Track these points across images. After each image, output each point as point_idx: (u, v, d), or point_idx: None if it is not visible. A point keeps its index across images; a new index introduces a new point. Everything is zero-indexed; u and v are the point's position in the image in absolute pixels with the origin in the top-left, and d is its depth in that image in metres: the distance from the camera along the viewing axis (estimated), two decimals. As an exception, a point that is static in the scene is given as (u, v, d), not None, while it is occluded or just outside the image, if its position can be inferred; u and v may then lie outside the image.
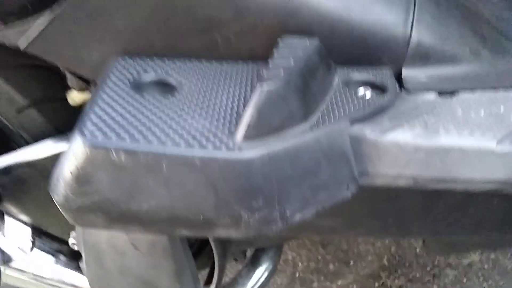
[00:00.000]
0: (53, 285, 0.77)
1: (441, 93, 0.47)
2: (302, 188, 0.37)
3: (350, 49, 0.47)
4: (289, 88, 0.38)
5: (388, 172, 0.42)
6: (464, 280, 0.95)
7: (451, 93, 0.47)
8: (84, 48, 0.45)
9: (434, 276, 0.96)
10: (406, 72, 0.47)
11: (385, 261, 1.00)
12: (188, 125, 0.37)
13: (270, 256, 0.86)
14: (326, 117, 0.40)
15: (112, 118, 0.37)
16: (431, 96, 0.47)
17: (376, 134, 0.40)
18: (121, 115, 0.38)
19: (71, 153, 0.36)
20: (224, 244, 0.65)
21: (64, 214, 0.39)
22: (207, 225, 0.37)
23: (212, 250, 0.66)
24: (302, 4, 0.43)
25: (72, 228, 0.70)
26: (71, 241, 0.71)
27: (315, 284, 0.98)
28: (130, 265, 0.63)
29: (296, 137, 0.37)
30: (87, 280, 0.75)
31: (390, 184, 0.42)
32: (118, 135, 0.36)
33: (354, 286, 0.96)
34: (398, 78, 0.47)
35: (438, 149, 0.41)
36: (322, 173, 0.38)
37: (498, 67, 0.51)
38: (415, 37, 0.47)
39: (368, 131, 0.40)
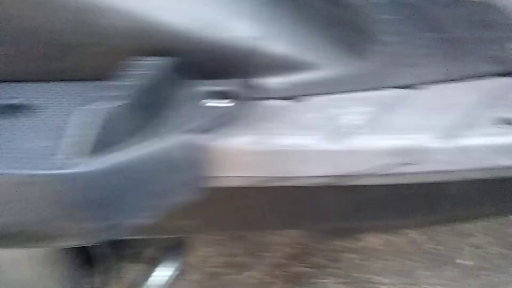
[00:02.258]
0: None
1: (294, 98, 0.52)
2: (139, 196, 0.41)
3: (206, 64, 0.50)
4: (128, 106, 0.41)
5: (231, 174, 0.46)
6: (361, 261, 1.03)
7: (300, 98, 0.53)
8: None
9: (333, 260, 1.04)
10: (259, 81, 0.52)
11: (290, 250, 1.06)
12: (29, 146, 0.40)
13: (173, 254, 0.89)
14: (169, 128, 0.44)
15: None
16: (278, 102, 0.51)
17: (218, 141, 0.45)
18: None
19: None
20: (112, 248, 0.67)
21: None
22: (53, 236, 0.40)
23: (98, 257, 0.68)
24: (155, 28, 0.47)
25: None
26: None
27: (224, 277, 1.03)
28: (23, 274, 0.64)
29: (131, 152, 0.41)
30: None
31: (235, 185, 0.47)
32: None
33: (261, 276, 1.02)
34: (253, 86, 0.52)
35: (273, 151, 0.46)
36: (162, 182, 0.42)
37: (359, 70, 0.57)
38: (268, 49, 0.51)
39: (211, 138, 0.44)
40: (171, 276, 0.88)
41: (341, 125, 0.49)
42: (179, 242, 0.87)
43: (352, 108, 0.52)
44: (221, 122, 0.47)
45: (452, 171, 0.50)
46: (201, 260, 1.07)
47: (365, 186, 0.50)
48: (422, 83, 0.57)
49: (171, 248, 0.86)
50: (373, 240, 1.07)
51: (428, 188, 0.53)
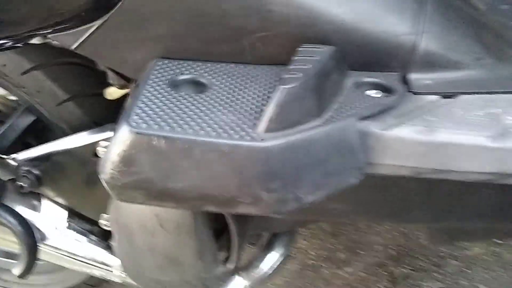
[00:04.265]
0: (85, 262, 0.84)
1: (444, 95, 0.53)
2: (314, 174, 0.44)
3: (363, 56, 0.52)
4: (305, 89, 0.44)
5: (391, 162, 0.47)
6: (467, 270, 1.00)
7: (453, 95, 0.53)
8: (128, 51, 0.51)
9: (437, 266, 1.01)
10: (413, 76, 0.53)
11: (392, 251, 1.06)
12: (218, 118, 0.44)
13: (284, 241, 0.92)
14: (337, 114, 0.46)
15: (153, 111, 0.44)
16: (434, 98, 0.52)
17: (381, 130, 0.46)
18: (160, 108, 0.44)
19: (118, 139, 0.43)
20: (242, 226, 0.71)
21: (109, 191, 0.46)
22: (231, 202, 0.44)
23: (230, 233, 0.72)
24: (319, 17, 0.49)
25: (103, 210, 0.77)
26: (102, 222, 0.78)
27: (325, 271, 1.05)
28: (157, 243, 0.69)
29: (310, 131, 0.43)
30: (116, 258, 0.83)
31: (393, 173, 0.48)
32: (158, 124, 0.42)
33: (362, 273, 1.02)
34: (406, 81, 0.53)
35: (436, 144, 0.47)
36: (332, 162, 0.44)
37: (500, 72, 0.56)
38: (422, 46, 0.52)
39: (373, 127, 0.46)
40: (280, 262, 0.90)
41: (506, 125, 0.48)
42: (290, 231, 0.89)
43: (506, 108, 0.52)
44: (386, 112, 0.48)
45: None
46: (301, 252, 1.09)
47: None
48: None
49: (283, 236, 0.89)
50: (477, 250, 1.04)
51: None
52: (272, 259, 0.91)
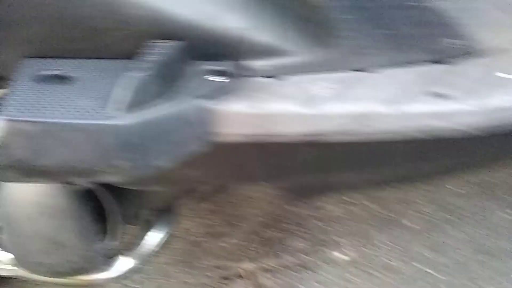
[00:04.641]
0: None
1: (272, 77, 0.67)
2: (166, 144, 0.54)
3: (205, 48, 0.64)
4: (150, 75, 0.54)
5: (229, 132, 0.60)
6: (325, 226, 1.19)
7: (280, 77, 0.67)
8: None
9: (300, 225, 1.19)
10: (246, 63, 0.66)
11: (263, 219, 1.21)
12: (77, 104, 0.53)
13: (166, 220, 1.01)
14: (179, 95, 0.57)
15: (23, 101, 0.51)
16: (264, 79, 0.66)
17: (217, 105, 0.58)
18: (29, 99, 0.52)
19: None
20: (120, 204, 0.79)
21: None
22: (93, 173, 0.53)
23: (109, 212, 0.80)
24: (166, 17, 0.60)
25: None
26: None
27: (206, 244, 1.17)
28: (42, 230, 0.75)
29: (156, 108, 0.54)
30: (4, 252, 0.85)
31: (230, 140, 0.61)
32: (27, 112, 0.50)
33: (239, 242, 1.16)
34: (241, 67, 0.65)
35: (262, 114, 0.60)
36: (179, 133, 0.55)
37: (321, 57, 0.72)
38: (254, 38, 0.65)
39: (210, 103, 0.58)
40: (163, 240, 1.00)
41: (314, 96, 0.64)
42: (170, 208, 0.99)
43: (322, 84, 0.67)
44: (221, 92, 0.60)
45: (397, 131, 0.66)
46: (184, 231, 1.20)
47: (333, 143, 0.65)
48: (374, 68, 0.72)
49: (163, 213, 0.98)
50: (334, 209, 1.24)
51: (380, 146, 0.68)
52: (156, 237, 1.00)
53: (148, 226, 0.96)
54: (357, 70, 0.72)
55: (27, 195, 0.72)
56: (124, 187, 0.67)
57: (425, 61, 0.76)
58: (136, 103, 0.53)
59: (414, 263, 1.10)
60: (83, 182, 0.60)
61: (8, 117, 0.49)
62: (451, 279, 1.05)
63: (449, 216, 1.18)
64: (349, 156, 0.70)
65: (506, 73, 0.74)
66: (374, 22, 0.84)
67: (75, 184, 0.66)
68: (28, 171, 0.52)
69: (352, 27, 0.80)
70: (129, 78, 0.52)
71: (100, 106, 0.53)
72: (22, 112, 0.50)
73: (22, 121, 0.49)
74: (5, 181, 0.54)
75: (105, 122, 0.51)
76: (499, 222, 1.14)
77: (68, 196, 0.72)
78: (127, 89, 0.52)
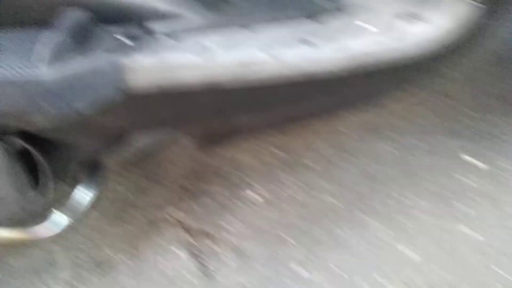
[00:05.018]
0: None
1: (171, 35, 0.80)
2: (84, 93, 0.66)
3: (111, 14, 0.75)
4: (66, 36, 0.66)
5: (138, 83, 0.72)
6: (240, 174, 1.36)
7: (179, 36, 0.80)
8: None
9: (222, 177, 1.35)
10: (150, 26, 0.78)
11: (183, 173, 1.36)
12: (5, 63, 0.63)
13: (95, 178, 1.11)
14: (96, 53, 0.69)
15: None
16: (164, 37, 0.79)
17: (127, 60, 0.71)
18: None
19: None
20: (50, 158, 0.90)
21: None
22: (28, 118, 0.64)
23: (40, 166, 0.90)
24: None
25: None
26: None
27: (134, 199, 1.29)
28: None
29: (76, 64, 0.65)
30: None
31: (142, 91, 0.73)
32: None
33: (163, 193, 1.30)
34: (144, 29, 0.78)
35: (165, 66, 0.73)
36: (96, 84, 0.67)
37: (211, 19, 0.85)
38: (153, 4, 0.78)
39: (123, 59, 0.70)
40: (92, 197, 1.10)
41: (207, 48, 0.78)
42: (97, 166, 1.10)
43: (214, 39, 0.81)
44: (128, 48, 0.73)
45: (276, 74, 0.81)
46: (112, 191, 1.31)
47: (228, 89, 0.80)
48: (250, 25, 0.87)
49: (91, 172, 1.09)
50: (246, 158, 1.40)
51: (265, 88, 0.84)
52: (86, 195, 1.10)
53: (77, 183, 1.07)
54: (242, 27, 0.87)
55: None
56: (51, 137, 0.78)
57: (299, 17, 0.93)
58: (55, 58, 0.64)
59: (317, 196, 1.29)
60: (15, 127, 0.70)
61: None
62: (346, 202, 1.26)
63: (344, 155, 1.38)
64: (242, 99, 0.85)
65: (364, 23, 0.92)
66: None
67: (9, 137, 0.76)
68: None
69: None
70: (48, 38, 0.63)
71: (24, 63, 0.63)
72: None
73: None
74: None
75: (30, 74, 0.62)
76: (384, 154, 1.36)
77: (3, 154, 0.82)
78: (46, 47, 0.63)
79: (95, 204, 1.10)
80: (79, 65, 0.66)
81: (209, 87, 0.78)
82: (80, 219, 1.08)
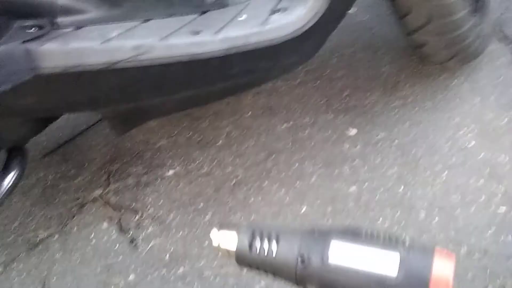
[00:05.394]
0: None
1: (77, 27, 0.96)
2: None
3: (24, 10, 0.91)
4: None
5: (47, 65, 0.88)
6: (157, 155, 1.54)
7: (82, 27, 0.97)
8: None
9: (137, 157, 1.52)
10: (56, 20, 0.95)
11: (104, 158, 1.52)
12: None
13: (18, 161, 1.23)
14: (9, 41, 0.84)
15: None
16: (70, 30, 0.95)
17: (37, 46, 0.87)
18: None
19: None
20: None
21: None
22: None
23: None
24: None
25: None
26: None
27: (62, 186, 1.44)
28: None
29: None
30: None
31: (51, 71, 0.89)
32: None
33: (87, 177, 1.45)
34: (53, 23, 0.94)
35: (71, 49, 0.90)
36: (9, 67, 0.83)
37: (111, 13, 1.03)
38: (59, 1, 0.94)
39: (33, 45, 0.86)
40: (15, 179, 1.22)
41: (106, 35, 0.95)
42: (17, 150, 1.22)
43: (112, 29, 0.99)
44: (37, 38, 0.89)
45: (167, 57, 1.00)
46: (38, 178, 1.44)
47: (126, 69, 0.97)
48: (149, 19, 1.06)
49: (17, 155, 1.21)
50: (162, 141, 1.58)
51: (160, 69, 1.02)
52: (9, 178, 1.22)
53: (4, 167, 1.18)
54: (140, 21, 1.05)
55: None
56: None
57: (190, 12, 1.13)
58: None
59: (224, 168, 1.49)
60: None
61: None
62: (250, 174, 1.46)
63: (246, 132, 1.59)
64: (140, 81, 1.03)
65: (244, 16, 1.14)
66: None
67: None
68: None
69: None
70: None
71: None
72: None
73: None
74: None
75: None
76: (279, 131, 1.59)
77: None
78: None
79: (18, 189, 1.23)
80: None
81: (108, 68, 0.95)
82: (2, 202, 1.19)
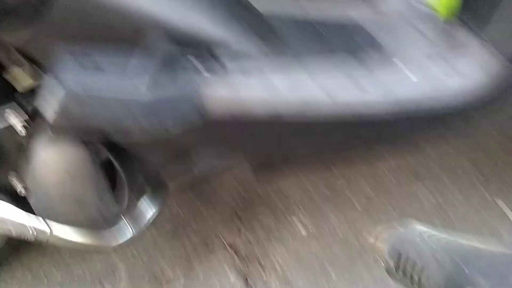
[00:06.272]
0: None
1: (245, 73, 0.94)
2: (173, 115, 0.80)
3: (197, 48, 0.91)
4: (159, 65, 0.81)
5: (215, 111, 0.86)
6: (289, 206, 1.46)
7: (251, 73, 0.94)
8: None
9: (267, 206, 1.46)
10: (225, 62, 0.93)
11: (237, 201, 1.47)
12: (117, 84, 0.78)
13: (159, 196, 1.23)
14: (183, 82, 0.84)
15: (76, 81, 0.77)
16: (239, 74, 0.93)
17: (209, 91, 0.85)
18: (80, 80, 0.77)
19: (58, 98, 0.75)
20: (129, 170, 1.04)
21: (53, 132, 0.77)
22: (129, 132, 0.79)
23: (119, 176, 1.03)
24: (171, 26, 0.87)
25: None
26: (12, 181, 1.02)
27: (193, 226, 1.41)
28: (67, 189, 0.98)
29: (169, 91, 0.80)
30: (30, 216, 1.07)
31: (217, 118, 0.87)
32: (82, 88, 0.76)
33: (219, 220, 1.42)
34: (223, 66, 0.93)
35: (240, 99, 0.87)
36: (182, 110, 0.82)
37: (278, 60, 0.99)
38: (229, 43, 0.93)
39: (205, 90, 0.84)
40: (154, 213, 1.21)
41: (273, 85, 0.91)
42: (161, 182, 1.21)
43: (278, 76, 0.94)
44: (209, 81, 0.87)
45: (333, 115, 0.93)
46: (173, 215, 1.45)
47: (288, 122, 0.92)
48: (316, 68, 1.00)
49: (156, 190, 1.21)
50: (290, 188, 1.51)
51: (321, 126, 0.95)
52: (149, 209, 1.22)
53: (142, 195, 1.18)
54: (303, 68, 1.00)
55: (56, 164, 0.96)
56: (131, 149, 0.92)
57: (342, 52, 1.05)
58: (152, 83, 0.79)
59: (359, 239, 1.37)
60: (120, 138, 0.84)
61: (70, 89, 0.75)
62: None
63: (383, 195, 1.46)
64: (299, 133, 0.97)
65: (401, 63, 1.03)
66: (310, 35, 1.13)
67: (96, 146, 0.92)
68: (83, 130, 0.77)
69: (295, 38, 1.09)
70: (145, 63, 0.79)
71: (127, 84, 0.78)
72: (81, 88, 0.75)
73: (79, 94, 0.75)
74: (64, 137, 0.78)
75: (133, 95, 0.77)
76: (421, 199, 1.42)
77: (90, 161, 0.97)
78: (145, 72, 0.78)
79: (154, 220, 1.22)
80: (169, 90, 0.80)
81: (273, 120, 0.91)
82: (143, 231, 1.19)
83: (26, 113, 0.98)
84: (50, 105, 0.76)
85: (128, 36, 0.84)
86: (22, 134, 0.97)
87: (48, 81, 0.79)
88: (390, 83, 0.98)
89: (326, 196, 1.48)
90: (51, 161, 0.95)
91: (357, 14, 1.16)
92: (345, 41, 1.07)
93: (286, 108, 0.90)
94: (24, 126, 0.98)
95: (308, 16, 1.13)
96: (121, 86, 0.79)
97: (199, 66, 0.88)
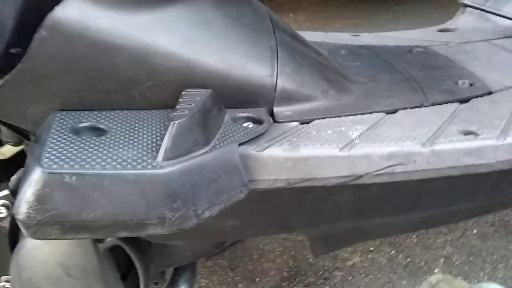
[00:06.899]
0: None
1: (302, 122, 0.67)
2: (208, 192, 0.53)
3: (236, 96, 0.64)
4: (192, 123, 0.54)
5: (267, 177, 0.59)
6: (350, 278, 1.15)
7: (309, 121, 0.67)
8: (28, 107, 0.57)
9: (325, 278, 1.15)
10: (276, 110, 0.66)
11: (284, 273, 1.17)
12: (120, 154, 0.51)
13: (186, 278, 0.97)
14: (220, 142, 0.57)
15: (60, 153, 0.49)
16: (295, 124, 0.66)
17: (256, 151, 0.58)
18: (66, 151, 0.50)
19: (31, 180, 0.48)
20: (146, 263, 0.76)
21: (24, 231, 0.49)
22: (140, 225, 0.51)
23: (136, 274, 0.77)
24: (196, 67, 0.60)
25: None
26: (2, 284, 0.77)
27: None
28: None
29: (200, 157, 0.53)
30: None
31: (271, 186, 0.59)
32: (67, 164, 0.48)
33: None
34: (271, 113, 0.66)
35: (300, 158, 0.59)
36: (221, 181, 0.54)
37: (342, 101, 0.73)
38: (279, 85, 0.66)
39: (250, 150, 0.57)
40: None
41: (350, 138, 0.63)
42: (191, 268, 0.95)
43: (349, 126, 0.67)
44: (257, 138, 0.60)
45: (432, 170, 0.65)
46: (204, 289, 1.15)
47: (371, 184, 0.64)
48: (394, 109, 0.73)
49: (185, 273, 0.95)
50: (358, 259, 1.20)
51: (416, 185, 0.67)
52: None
53: (171, 285, 0.93)
54: (378, 112, 0.73)
55: (49, 257, 0.70)
56: (157, 241, 0.65)
57: (443, 101, 0.78)
58: (177, 151, 0.52)
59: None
60: (129, 235, 0.57)
61: (48, 170, 0.47)
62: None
63: (472, 257, 1.15)
64: (382, 198, 0.69)
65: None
66: (383, 68, 0.87)
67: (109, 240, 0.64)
68: (70, 227, 0.49)
69: (363, 73, 0.83)
70: (173, 126, 0.52)
71: (146, 155, 0.52)
72: (62, 164, 0.48)
73: (64, 173, 0.48)
74: (44, 239, 0.51)
75: (156, 171, 0.49)
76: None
77: (95, 255, 0.70)
78: (173, 137, 0.51)
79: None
80: (202, 157, 0.53)
81: (349, 183, 0.63)
82: None
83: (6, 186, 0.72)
84: (21, 192, 0.49)
85: (140, 88, 0.59)
86: (1, 216, 0.74)
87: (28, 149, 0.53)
88: (498, 120, 0.70)
89: (392, 257, 1.18)
90: (40, 253, 0.70)
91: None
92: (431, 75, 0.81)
93: (365, 167, 0.62)
94: (4, 205, 0.72)
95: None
96: (125, 156, 0.52)
97: (234, 115, 0.62)
